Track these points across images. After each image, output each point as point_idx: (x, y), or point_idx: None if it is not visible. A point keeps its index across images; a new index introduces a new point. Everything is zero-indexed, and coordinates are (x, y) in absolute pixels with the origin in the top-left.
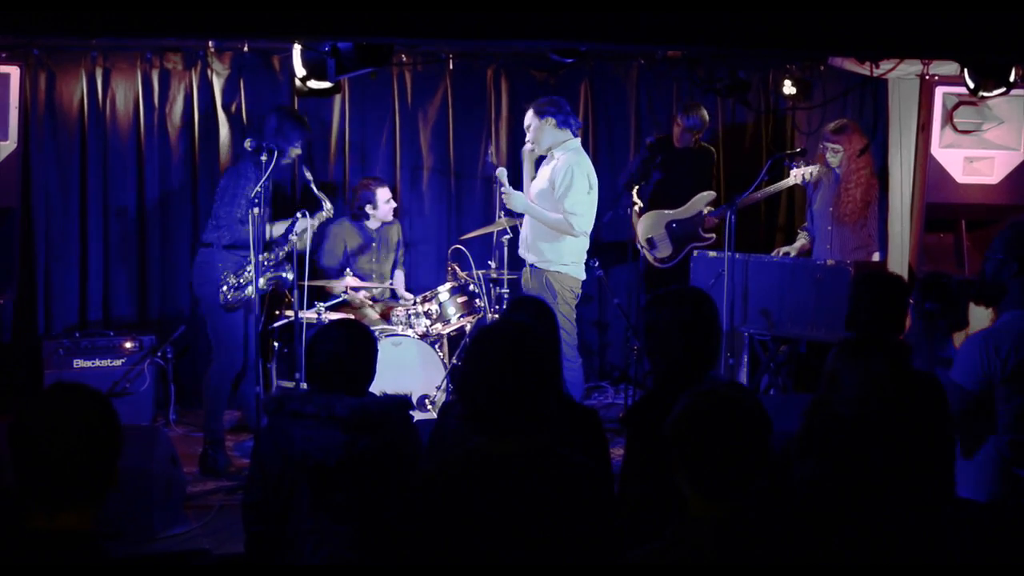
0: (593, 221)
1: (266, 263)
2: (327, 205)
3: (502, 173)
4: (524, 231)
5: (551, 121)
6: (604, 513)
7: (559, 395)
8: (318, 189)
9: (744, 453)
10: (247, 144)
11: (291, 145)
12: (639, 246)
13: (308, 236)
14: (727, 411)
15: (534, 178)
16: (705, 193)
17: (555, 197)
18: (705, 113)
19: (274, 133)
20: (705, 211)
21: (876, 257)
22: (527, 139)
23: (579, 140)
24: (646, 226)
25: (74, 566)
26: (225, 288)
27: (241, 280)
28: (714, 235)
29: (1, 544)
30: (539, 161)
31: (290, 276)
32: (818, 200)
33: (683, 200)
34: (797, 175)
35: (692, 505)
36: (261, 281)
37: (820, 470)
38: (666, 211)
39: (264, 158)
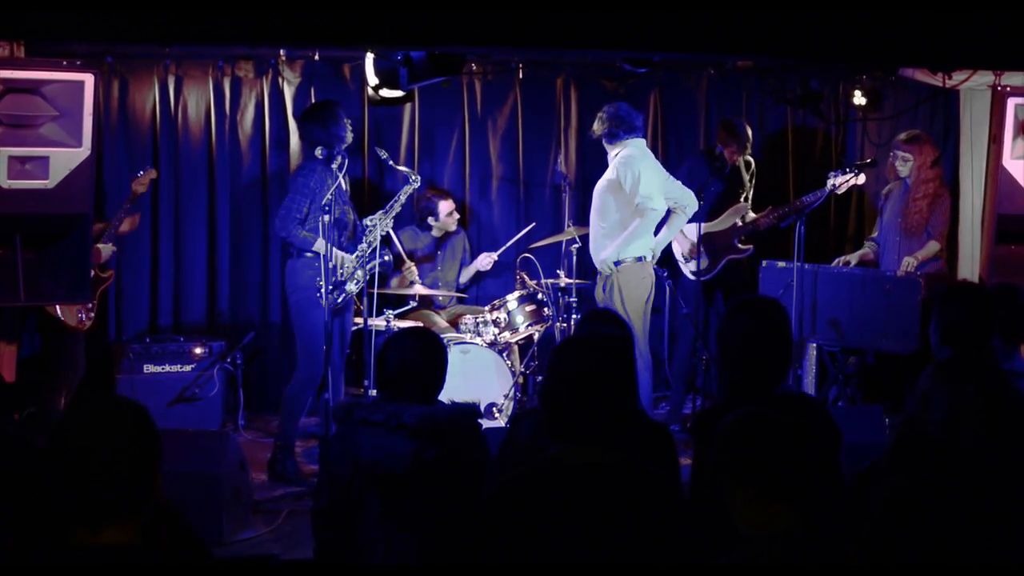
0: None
1: (360, 257)
2: (413, 176)
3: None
4: (591, 236)
5: (623, 127)
6: (680, 524)
7: (634, 407)
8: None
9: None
10: (318, 152)
11: (344, 133)
12: (677, 259)
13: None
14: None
15: None
16: (741, 204)
17: (627, 193)
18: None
19: (325, 134)
20: (740, 223)
21: (934, 247)
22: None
23: (642, 140)
24: (684, 237)
25: None
26: (320, 293)
27: (335, 280)
28: (751, 247)
29: (49, 561)
30: None
31: (388, 258)
32: (887, 211)
33: (720, 213)
34: (835, 182)
35: (751, 520)
36: (360, 273)
37: (904, 488)
38: (703, 223)
39: (336, 164)
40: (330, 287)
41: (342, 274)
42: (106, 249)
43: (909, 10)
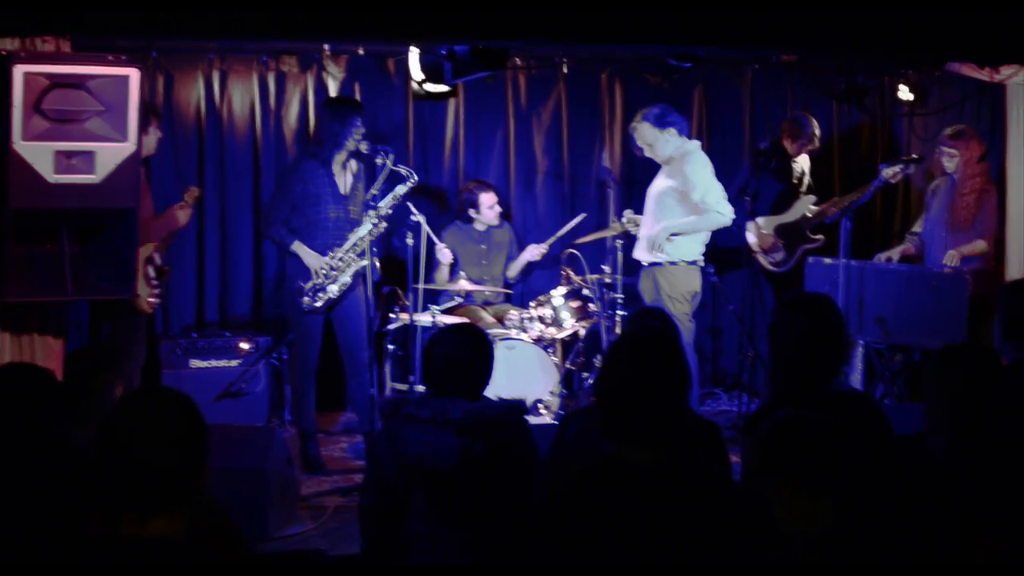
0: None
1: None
2: (410, 175)
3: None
4: (640, 231)
5: (672, 131)
6: (732, 522)
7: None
8: (393, 165)
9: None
10: (363, 147)
11: (343, 131)
12: (754, 253)
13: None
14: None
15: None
16: (808, 196)
17: (695, 199)
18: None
19: (329, 127)
20: (809, 214)
21: (980, 246)
22: (644, 155)
23: (696, 142)
24: (760, 232)
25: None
26: (302, 294)
27: (314, 283)
28: (822, 237)
29: (97, 551)
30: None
31: (377, 263)
32: (934, 206)
33: (789, 205)
34: (887, 173)
35: (794, 517)
36: (346, 276)
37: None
38: (774, 217)
39: (379, 160)
40: (308, 289)
41: (326, 275)
42: (184, 215)
43: (956, 4)
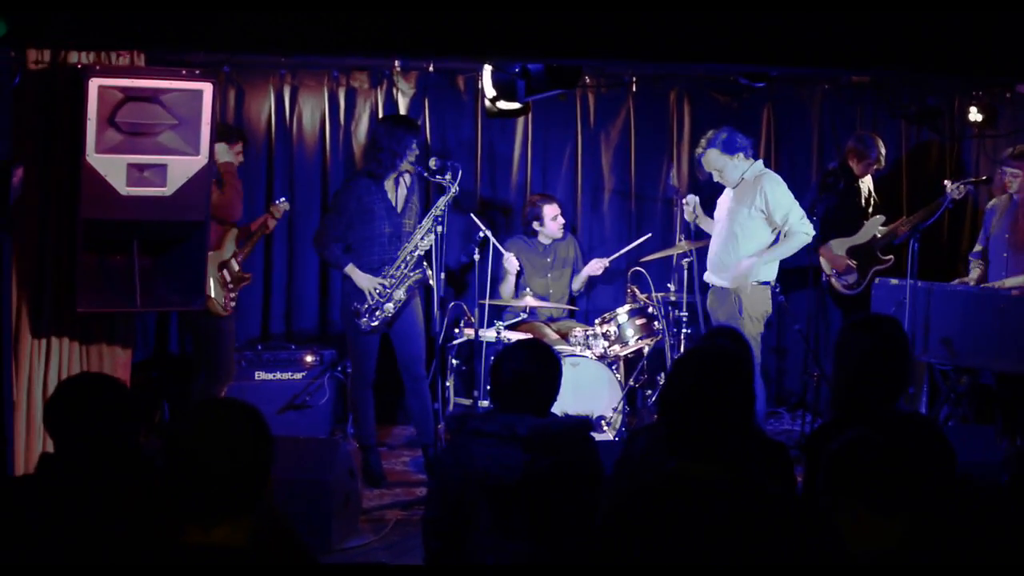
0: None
1: (392, 278)
2: (454, 188)
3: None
4: (713, 252)
5: (740, 156)
6: (795, 542)
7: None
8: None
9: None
10: (432, 163)
11: (396, 148)
12: (825, 275)
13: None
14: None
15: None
16: (877, 217)
17: (778, 220)
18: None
19: (381, 144)
20: (878, 235)
21: None
22: (710, 176)
23: (761, 162)
24: (832, 255)
25: None
26: (364, 318)
27: (368, 305)
28: (892, 257)
29: (159, 558)
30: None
31: (430, 274)
32: (994, 225)
33: (858, 226)
34: (951, 188)
35: (861, 537)
36: (399, 293)
37: None
38: (846, 238)
39: (448, 176)
40: (364, 310)
41: (380, 296)
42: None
43: None
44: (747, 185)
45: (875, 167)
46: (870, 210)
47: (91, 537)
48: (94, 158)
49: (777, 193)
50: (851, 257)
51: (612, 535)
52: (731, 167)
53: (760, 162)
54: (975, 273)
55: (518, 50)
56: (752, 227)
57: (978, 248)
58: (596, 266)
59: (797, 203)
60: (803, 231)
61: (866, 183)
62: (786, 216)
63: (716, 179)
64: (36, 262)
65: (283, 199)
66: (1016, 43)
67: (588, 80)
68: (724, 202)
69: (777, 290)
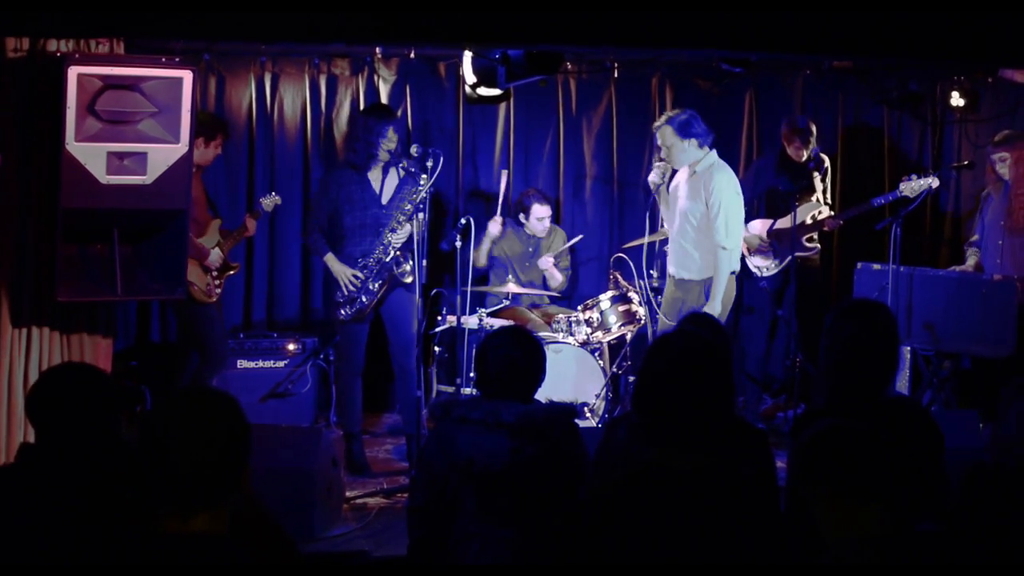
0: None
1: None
2: (426, 178)
3: None
4: (674, 248)
5: (694, 142)
6: (772, 530)
7: (732, 412)
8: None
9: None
10: (413, 150)
11: (368, 138)
12: (745, 255)
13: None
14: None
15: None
16: (811, 203)
17: (710, 218)
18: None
19: (357, 134)
20: (809, 220)
21: None
22: (660, 156)
23: (715, 152)
24: (750, 235)
25: (213, 568)
26: (343, 308)
27: (347, 294)
28: (818, 246)
29: (139, 548)
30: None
31: (407, 267)
32: (989, 213)
33: (791, 209)
34: (905, 188)
35: (835, 523)
36: (374, 284)
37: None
38: (768, 220)
39: (430, 163)
40: (343, 301)
41: (352, 287)
42: (215, 256)
43: (1010, 10)
44: (698, 180)
45: (803, 152)
46: (815, 197)
47: (72, 527)
48: (74, 146)
49: (721, 188)
50: (772, 239)
51: (592, 523)
52: (679, 149)
53: (713, 153)
54: (971, 261)
55: (498, 36)
56: (707, 224)
57: (975, 237)
58: (545, 263)
59: (738, 209)
60: (720, 244)
61: (819, 166)
62: (716, 215)
63: (663, 155)
64: (16, 251)
65: (273, 194)
66: (997, 28)
67: (569, 66)
68: (679, 196)
69: (760, 277)
